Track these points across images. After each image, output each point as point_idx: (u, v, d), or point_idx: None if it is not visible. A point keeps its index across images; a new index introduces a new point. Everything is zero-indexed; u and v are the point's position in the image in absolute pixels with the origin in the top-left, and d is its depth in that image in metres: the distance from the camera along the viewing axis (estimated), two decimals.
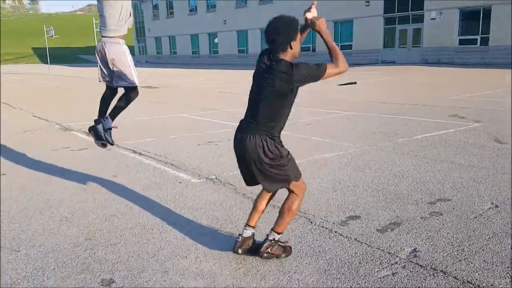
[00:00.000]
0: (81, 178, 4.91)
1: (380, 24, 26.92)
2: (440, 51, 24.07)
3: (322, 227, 3.36)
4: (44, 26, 32.52)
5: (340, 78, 17.67)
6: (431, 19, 24.33)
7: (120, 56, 3.94)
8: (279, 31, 2.57)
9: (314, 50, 29.35)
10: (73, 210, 3.90)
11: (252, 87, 2.79)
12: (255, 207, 2.99)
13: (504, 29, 21.32)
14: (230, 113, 9.91)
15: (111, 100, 4.27)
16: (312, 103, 11.01)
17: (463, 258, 2.78)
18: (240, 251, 2.90)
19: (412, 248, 2.94)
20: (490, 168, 4.74)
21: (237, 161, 2.87)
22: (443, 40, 23.84)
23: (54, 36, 30.33)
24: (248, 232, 2.94)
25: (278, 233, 2.86)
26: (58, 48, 53.23)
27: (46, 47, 33.27)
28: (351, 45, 28.77)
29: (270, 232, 2.89)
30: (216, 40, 40.85)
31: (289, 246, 2.96)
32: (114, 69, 3.96)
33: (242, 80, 19.89)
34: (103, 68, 4.06)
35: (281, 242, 2.90)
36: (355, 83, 15.74)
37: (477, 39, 22.74)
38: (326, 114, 9.18)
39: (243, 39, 37.83)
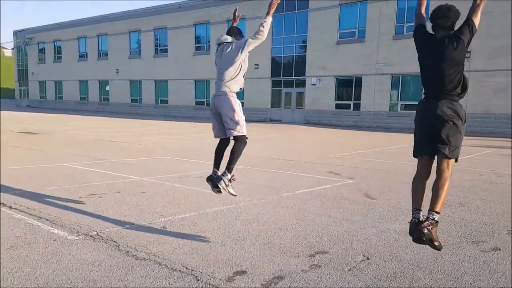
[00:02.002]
0: None
1: (268, 86, 28.88)
2: (320, 113, 26.47)
3: (209, 284, 3.31)
4: None
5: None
6: (312, 84, 26.87)
7: (236, 107, 4.59)
8: (447, 14, 3.42)
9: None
10: None
11: (426, 64, 3.50)
12: (417, 189, 3.45)
13: (372, 96, 24.39)
14: (118, 163, 9.50)
15: (223, 151, 4.84)
16: (203, 155, 11.11)
17: None
18: (425, 230, 3.19)
19: None
20: (361, 222, 5.22)
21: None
22: (323, 104, 26.33)
23: None
24: (420, 215, 3.34)
25: (437, 213, 3.20)
26: None
27: None
28: (243, 102, 30.18)
29: (429, 212, 3.20)
30: (107, 88, 39.62)
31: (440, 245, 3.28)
32: (231, 119, 4.53)
33: (133, 130, 19.34)
34: (215, 122, 4.74)
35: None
36: (246, 138, 16.34)
37: (350, 104, 25.58)
38: None
39: (137, 88, 37.32)
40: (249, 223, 5.04)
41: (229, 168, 4.71)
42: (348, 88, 25.67)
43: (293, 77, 27.75)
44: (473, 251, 4.23)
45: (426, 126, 3.44)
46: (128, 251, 3.99)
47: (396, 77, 23.61)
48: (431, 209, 3.30)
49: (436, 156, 3.47)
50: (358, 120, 24.64)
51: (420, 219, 3.39)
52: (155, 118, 30.43)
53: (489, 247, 4.34)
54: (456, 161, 3.44)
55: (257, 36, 4.49)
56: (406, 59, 22.66)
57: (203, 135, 17.86)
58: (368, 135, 19.66)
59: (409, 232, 3.46)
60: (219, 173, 4.78)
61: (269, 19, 4.48)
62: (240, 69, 4.60)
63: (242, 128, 4.66)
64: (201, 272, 3.53)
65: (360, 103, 24.90)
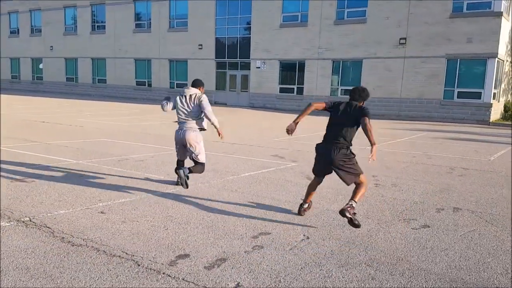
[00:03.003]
0: None
1: (212, 68, 28.49)
2: (265, 97, 26.63)
3: (150, 269, 3.26)
4: None
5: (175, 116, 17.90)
6: (257, 67, 26.87)
7: (199, 138, 5.80)
8: (361, 93, 4.58)
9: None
10: None
11: (334, 120, 4.58)
12: (311, 189, 4.87)
13: (315, 81, 24.92)
14: (53, 146, 8.99)
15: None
16: (144, 138, 10.82)
17: None
18: (304, 214, 4.82)
19: (236, 283, 3.09)
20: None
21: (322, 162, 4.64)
22: (267, 87, 26.51)
23: None
24: (306, 205, 4.86)
25: (356, 202, 4.28)
26: None
27: None
28: (186, 84, 29.60)
29: (350, 200, 4.29)
30: (41, 66, 37.14)
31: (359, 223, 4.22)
32: (194, 149, 5.71)
33: (69, 110, 18.35)
34: (181, 151, 5.87)
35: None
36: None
37: (294, 88, 25.97)
38: (160, 150, 9.12)
39: (72, 67, 35.34)
40: (193, 207, 5.01)
41: (191, 171, 5.68)
42: (291, 72, 25.97)
43: (238, 59, 27.55)
44: (404, 228, 4.51)
45: (324, 163, 4.61)
46: (63, 237, 3.82)
47: (337, 62, 24.22)
48: (352, 198, 4.33)
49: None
50: (302, 104, 25.03)
51: (305, 207, 4.86)
52: (92, 98, 29.10)
53: (419, 225, 4.65)
54: (361, 173, 4.51)
55: (211, 119, 5.78)
56: (346, 45, 23.30)
57: (143, 117, 17.36)
58: (311, 119, 20.08)
59: (298, 212, 4.86)
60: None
61: (215, 123, 5.83)
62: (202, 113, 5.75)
63: (203, 157, 5.83)
64: (142, 257, 3.47)
65: (303, 87, 25.32)
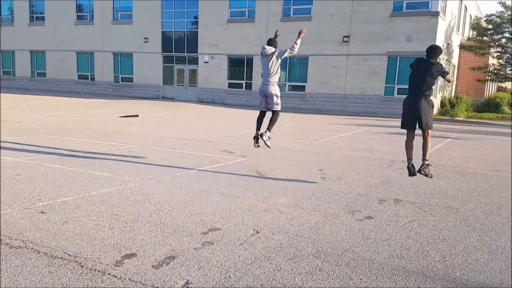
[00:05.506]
0: None
1: (159, 61, 27.86)
2: (213, 92, 26.46)
3: (95, 270, 3.15)
4: None
5: (122, 111, 17.34)
6: (205, 62, 26.62)
7: (278, 92, 7.31)
8: (436, 51, 5.79)
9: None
10: None
11: (415, 74, 5.84)
12: (409, 147, 5.99)
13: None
14: None
15: (263, 119, 7.49)
16: (88, 134, 10.39)
17: (230, 285, 3.04)
18: (416, 173, 5.86)
19: (185, 281, 3.05)
20: (253, 198, 5.41)
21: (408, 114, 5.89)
22: (216, 82, 26.35)
23: None
24: (411, 162, 5.87)
25: (427, 160, 5.81)
26: None
27: None
28: (132, 78, 28.75)
29: (423, 160, 5.82)
30: None
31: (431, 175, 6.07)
32: (273, 99, 7.22)
33: (6, 105, 17.18)
34: (263, 100, 7.39)
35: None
36: (137, 116, 15.70)
37: (242, 83, 26.01)
38: (105, 146, 8.80)
39: (9, 59, 33.17)
40: (140, 204, 4.89)
41: (269, 129, 7.28)
42: (240, 67, 25.98)
43: (186, 53, 27.15)
44: (349, 220, 4.67)
45: (410, 112, 5.80)
46: (0, 239, 3.59)
47: (284, 58, 24.47)
48: (424, 159, 5.85)
49: (417, 127, 5.91)
50: (250, 100, 25.18)
51: (413, 165, 5.86)
52: (31, 93, 27.49)
53: (363, 216, 4.84)
54: (431, 129, 5.84)
55: (292, 50, 7.31)
56: (292, 41, 23.62)
57: (86, 112, 16.67)
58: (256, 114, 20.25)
59: (409, 174, 5.97)
60: (261, 132, 7.30)
61: (299, 41, 7.35)
62: (279, 67, 7.33)
63: (279, 106, 7.31)
64: (85, 258, 3.34)
65: (251, 82, 25.44)
